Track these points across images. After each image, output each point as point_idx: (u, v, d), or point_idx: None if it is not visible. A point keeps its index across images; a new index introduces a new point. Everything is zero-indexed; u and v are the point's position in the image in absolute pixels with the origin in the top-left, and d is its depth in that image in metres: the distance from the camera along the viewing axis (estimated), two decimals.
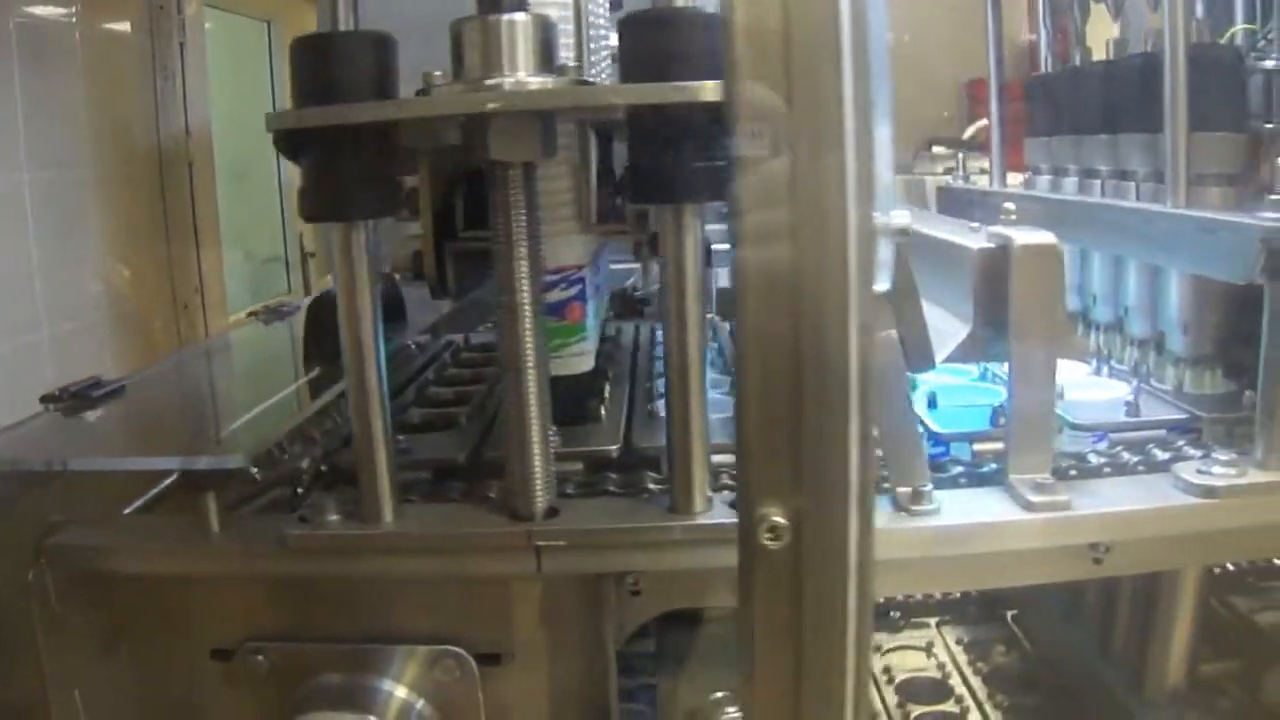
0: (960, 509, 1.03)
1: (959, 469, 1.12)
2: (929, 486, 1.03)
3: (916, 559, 1.02)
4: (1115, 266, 1.35)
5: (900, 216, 0.67)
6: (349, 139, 0.94)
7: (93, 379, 1.23)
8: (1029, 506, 1.02)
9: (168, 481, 1.17)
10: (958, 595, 1.66)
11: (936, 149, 2.52)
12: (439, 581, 1.03)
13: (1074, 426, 1.18)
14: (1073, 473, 1.10)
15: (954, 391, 1.31)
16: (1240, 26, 1.29)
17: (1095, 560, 1.04)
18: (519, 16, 0.93)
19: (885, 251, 0.67)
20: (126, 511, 1.16)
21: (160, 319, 2.12)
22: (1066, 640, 1.48)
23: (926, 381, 1.30)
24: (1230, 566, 1.41)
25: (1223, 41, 1.29)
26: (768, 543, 0.66)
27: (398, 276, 1.42)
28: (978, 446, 1.11)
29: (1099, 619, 1.41)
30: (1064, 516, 1.02)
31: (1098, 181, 1.37)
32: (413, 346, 1.63)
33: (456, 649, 1.02)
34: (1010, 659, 1.56)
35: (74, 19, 1.94)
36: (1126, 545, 1.04)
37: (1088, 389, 1.27)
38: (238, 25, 2.94)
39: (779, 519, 0.66)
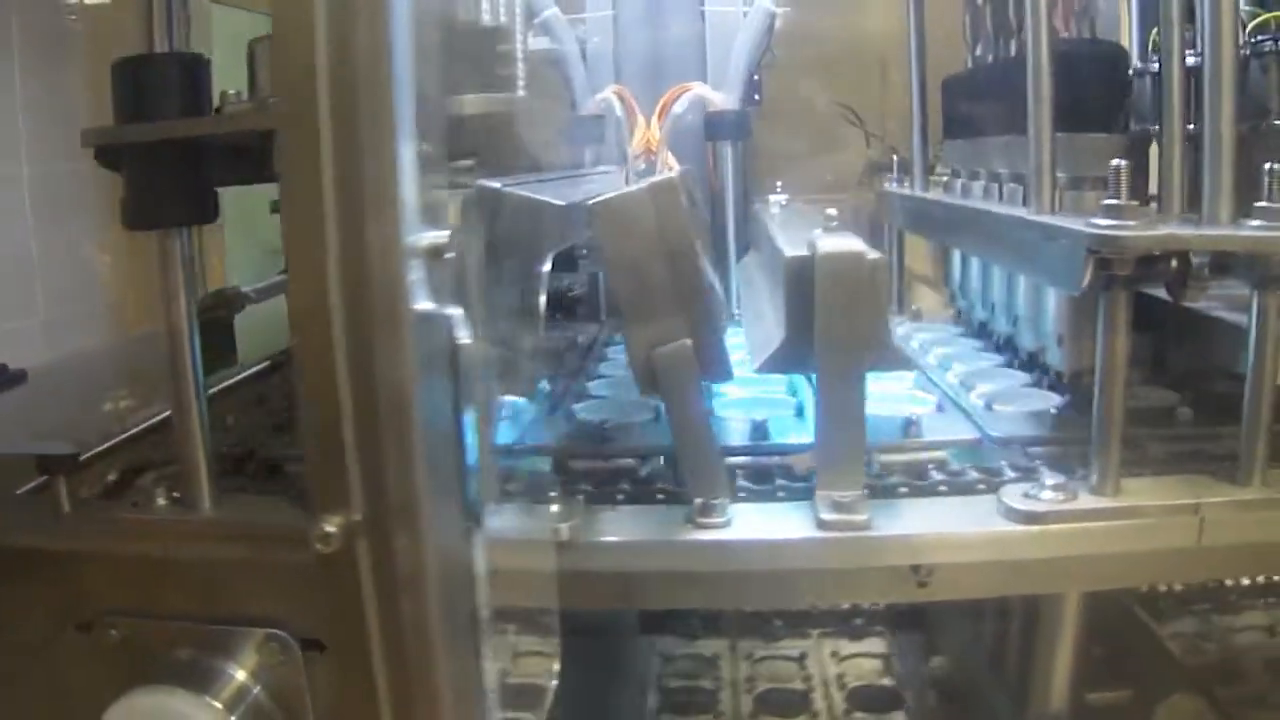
0: (753, 524, 0.94)
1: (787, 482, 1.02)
2: (721, 499, 0.95)
3: (706, 573, 0.94)
4: (1010, 275, 1.22)
5: (436, 237, 0.60)
6: (161, 153, 0.93)
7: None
8: (823, 525, 0.92)
9: None
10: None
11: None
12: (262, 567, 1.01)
13: (995, 441, 1.07)
14: (903, 490, 1.00)
15: (885, 400, 1.21)
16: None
17: (920, 584, 0.95)
18: None
19: (418, 272, 0.60)
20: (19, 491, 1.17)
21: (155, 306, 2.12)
22: (971, 657, 1.36)
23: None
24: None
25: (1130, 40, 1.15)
26: (319, 549, 0.60)
27: None
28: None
29: (994, 636, 1.29)
30: (858, 537, 0.92)
31: (998, 185, 1.24)
32: None
33: (281, 633, 0.99)
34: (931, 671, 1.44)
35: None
36: (947, 569, 0.94)
37: (1017, 400, 1.16)
38: (240, 15, 2.96)
39: (331, 528, 0.60)
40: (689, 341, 0.93)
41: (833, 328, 0.93)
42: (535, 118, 1.09)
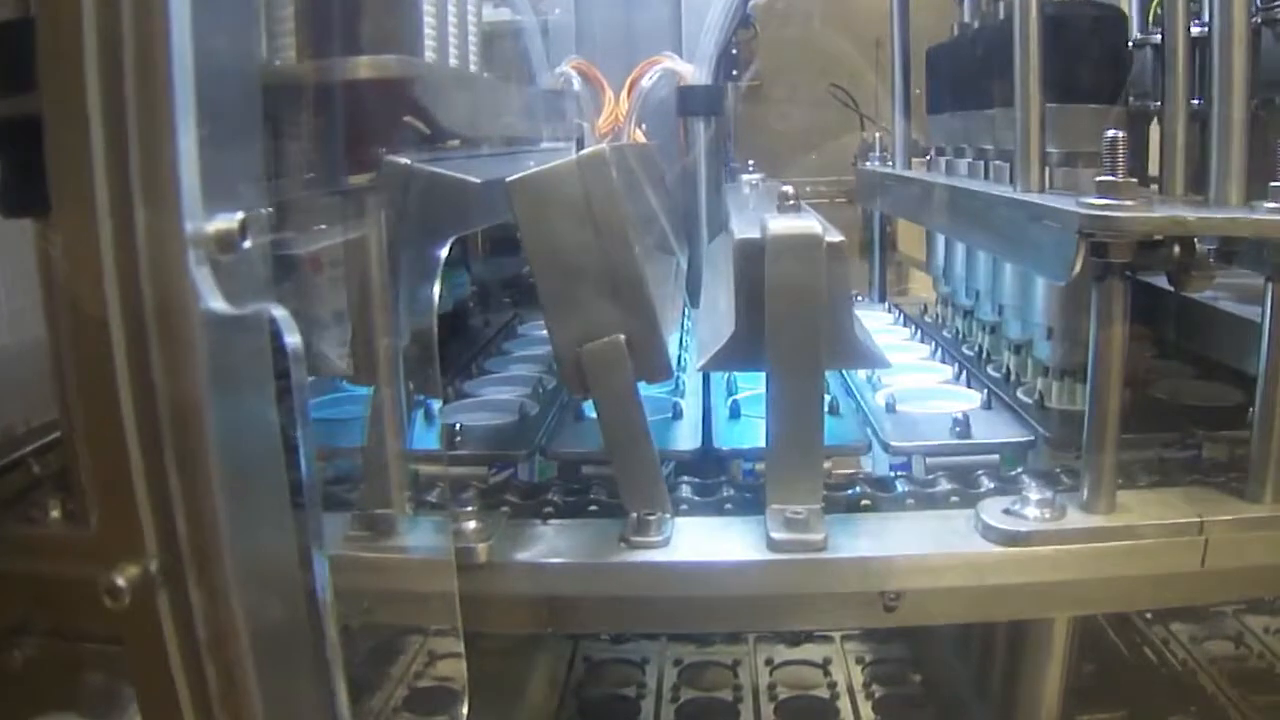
0: (694, 544, 0.80)
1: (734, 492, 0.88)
2: (658, 514, 0.81)
3: (641, 598, 0.80)
4: (995, 260, 1.07)
5: (225, 221, 0.46)
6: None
7: None
8: (774, 545, 0.78)
9: None
10: None
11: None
12: None
13: (888, 448, 0.93)
14: (865, 503, 0.86)
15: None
16: None
17: (886, 608, 0.81)
18: None
19: (204, 266, 0.45)
20: None
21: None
22: (954, 673, 1.22)
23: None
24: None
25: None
26: (109, 605, 0.47)
27: None
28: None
29: (979, 655, 1.14)
30: (813, 559, 0.78)
31: (984, 163, 1.09)
32: None
33: None
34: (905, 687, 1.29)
35: None
36: (917, 594, 0.80)
37: (935, 400, 1.01)
38: None
39: (121, 581, 0.46)
40: (622, 337, 0.79)
41: (785, 319, 0.79)
42: (462, 88, 0.94)
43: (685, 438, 0.98)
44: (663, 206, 1.17)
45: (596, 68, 1.50)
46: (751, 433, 0.97)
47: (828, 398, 1.02)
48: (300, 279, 0.87)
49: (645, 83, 1.42)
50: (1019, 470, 0.90)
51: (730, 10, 1.39)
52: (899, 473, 0.93)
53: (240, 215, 0.47)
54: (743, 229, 0.84)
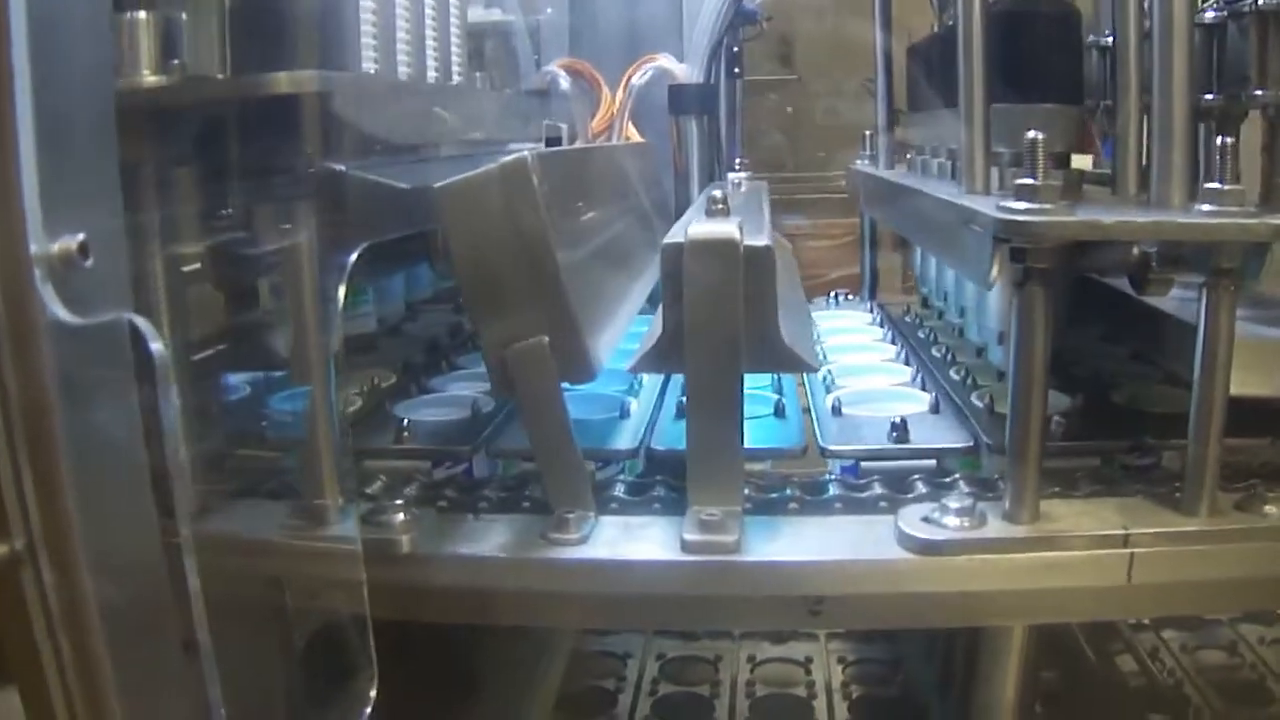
0: (611, 542, 0.81)
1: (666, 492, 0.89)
2: (577, 512, 0.82)
3: (556, 593, 0.81)
4: None
5: (66, 243, 0.49)
6: None
7: None
8: (686, 546, 0.79)
9: None
10: None
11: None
12: None
13: (824, 451, 0.92)
14: (793, 506, 0.86)
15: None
16: None
17: (812, 612, 0.81)
18: (140, 15, 0.79)
19: (47, 285, 0.49)
20: None
21: None
22: (924, 676, 1.20)
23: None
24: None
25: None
26: None
27: None
28: None
29: (941, 659, 1.13)
30: (724, 562, 0.78)
31: (951, 162, 1.07)
32: None
33: None
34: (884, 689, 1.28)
35: None
36: (837, 600, 0.79)
37: (884, 402, 1.00)
38: None
39: None
40: (545, 339, 0.80)
41: (701, 322, 0.79)
42: (406, 96, 0.96)
43: (628, 437, 0.98)
44: (635, 207, 1.18)
45: (594, 66, 1.51)
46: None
47: (774, 399, 1.02)
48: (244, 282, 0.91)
49: (636, 81, 1.43)
50: (954, 476, 0.89)
51: (721, 10, 1.38)
52: (837, 476, 0.92)
53: (81, 236, 0.50)
54: (674, 233, 0.85)
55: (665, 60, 1.48)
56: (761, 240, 0.81)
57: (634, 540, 0.81)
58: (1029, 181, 0.75)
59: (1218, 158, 0.76)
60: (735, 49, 1.55)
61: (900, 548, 0.79)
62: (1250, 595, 0.84)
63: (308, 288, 0.80)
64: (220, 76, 0.80)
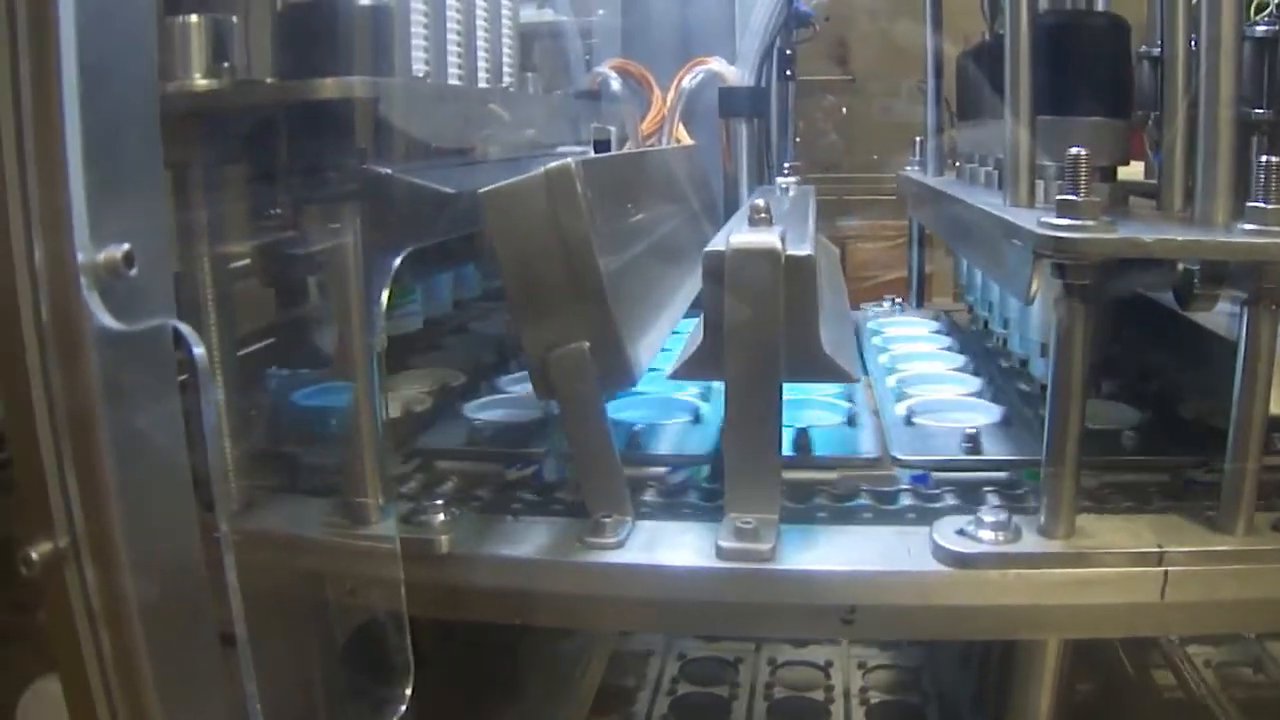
0: (648, 547, 0.82)
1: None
2: (614, 517, 0.83)
3: (592, 596, 0.82)
4: None
5: (112, 252, 0.51)
6: None
7: None
8: (722, 553, 0.80)
9: None
10: None
11: None
12: None
13: (896, 461, 0.92)
14: (821, 515, 0.86)
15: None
16: None
17: (845, 621, 0.81)
18: (192, 19, 0.81)
19: (93, 293, 0.52)
20: None
21: None
22: (956, 686, 1.20)
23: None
24: None
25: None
26: (24, 573, 0.53)
27: None
28: None
29: (977, 670, 1.12)
30: (759, 569, 0.79)
31: (998, 173, 1.06)
32: None
33: None
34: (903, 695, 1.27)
35: None
36: (871, 610, 0.80)
37: (955, 412, 1.00)
38: None
39: (35, 554, 0.52)
40: (586, 345, 0.81)
41: (741, 331, 0.80)
42: (454, 101, 0.98)
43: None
44: (681, 210, 1.18)
45: (646, 68, 1.51)
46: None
47: (847, 407, 1.03)
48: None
49: (686, 83, 1.43)
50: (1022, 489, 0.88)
51: (773, 12, 1.38)
52: (914, 485, 0.91)
53: (126, 246, 0.52)
54: (717, 240, 0.85)
55: (716, 63, 1.48)
56: (803, 250, 0.81)
57: (670, 546, 0.82)
58: (1070, 198, 0.74)
59: (1262, 176, 0.75)
60: (788, 52, 1.55)
61: (934, 559, 0.79)
62: None
63: (353, 288, 0.82)
64: (270, 81, 0.82)
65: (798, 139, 2.37)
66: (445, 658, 0.93)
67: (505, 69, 1.22)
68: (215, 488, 0.59)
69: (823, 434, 0.99)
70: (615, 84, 1.43)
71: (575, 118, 1.20)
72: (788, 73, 1.58)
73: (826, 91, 2.44)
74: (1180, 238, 0.75)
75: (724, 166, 1.50)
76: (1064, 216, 0.74)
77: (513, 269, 0.82)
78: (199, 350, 0.56)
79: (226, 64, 0.82)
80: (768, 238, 0.80)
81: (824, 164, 2.40)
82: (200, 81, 0.81)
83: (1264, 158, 0.76)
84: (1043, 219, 0.76)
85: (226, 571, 0.59)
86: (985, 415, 1.02)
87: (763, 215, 0.85)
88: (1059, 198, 0.75)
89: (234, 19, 0.84)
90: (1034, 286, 0.76)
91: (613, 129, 1.16)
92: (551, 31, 1.33)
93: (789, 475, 0.87)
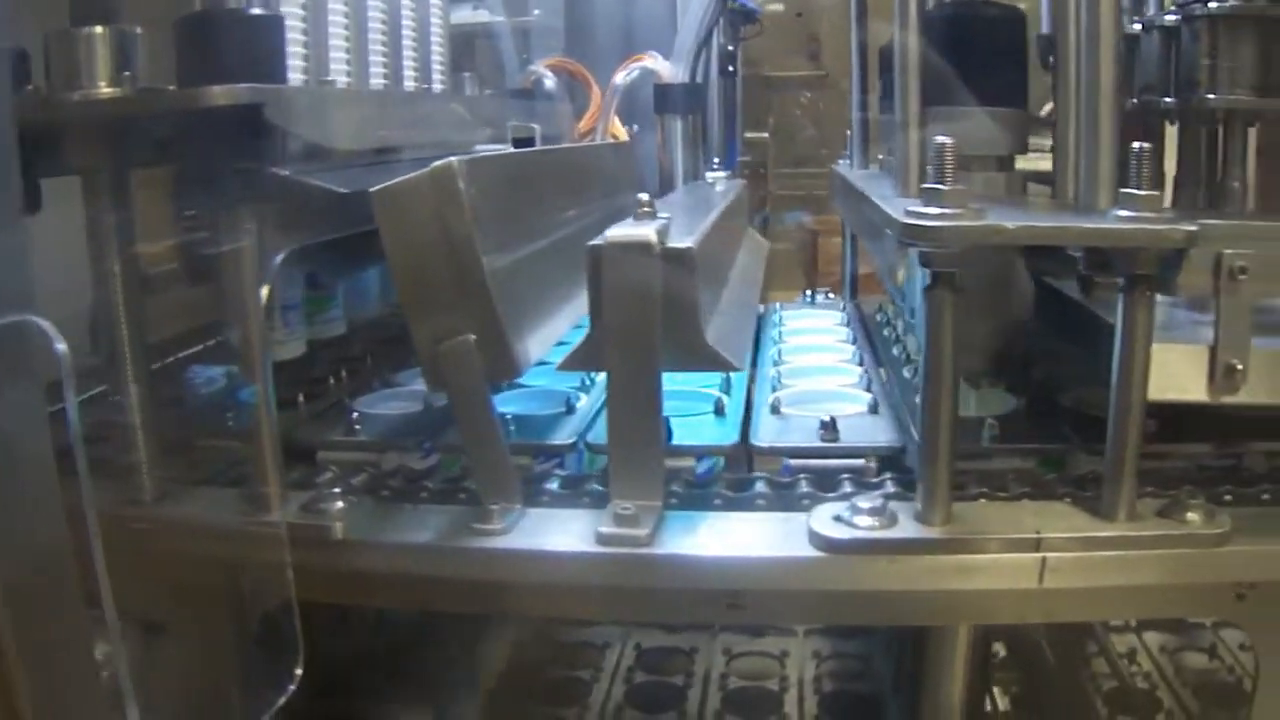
0: (532, 533, 0.83)
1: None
2: (502, 504, 0.84)
3: (478, 581, 0.83)
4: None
5: None
6: None
7: None
8: (601, 539, 0.81)
9: None
10: None
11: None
12: None
13: (754, 449, 0.93)
14: (717, 502, 0.87)
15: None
16: None
17: (730, 606, 0.82)
18: (96, 30, 0.83)
19: None
20: None
21: None
22: (883, 673, 1.20)
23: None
24: None
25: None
26: None
27: None
28: None
29: (896, 657, 1.13)
30: (635, 554, 0.80)
31: None
32: None
33: None
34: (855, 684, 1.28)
35: None
36: (752, 595, 0.81)
37: (825, 403, 1.00)
38: None
39: None
40: (472, 337, 0.83)
41: (619, 322, 0.81)
42: (350, 104, 1.00)
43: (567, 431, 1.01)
44: (598, 207, 1.19)
45: (589, 66, 1.52)
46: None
47: (717, 396, 1.04)
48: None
49: (620, 80, 1.44)
50: (885, 477, 0.89)
51: (707, 9, 1.39)
52: (776, 475, 0.92)
53: None
54: (601, 235, 0.86)
55: (651, 60, 1.49)
56: (684, 242, 0.82)
57: (555, 532, 0.83)
58: (936, 186, 0.75)
59: (1134, 162, 0.75)
60: (730, 48, 1.56)
61: (811, 546, 0.80)
62: (1170, 602, 0.83)
63: (248, 287, 0.84)
64: (168, 88, 0.84)
65: (766, 135, 2.39)
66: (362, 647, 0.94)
67: (436, 70, 1.23)
68: (82, 484, 0.60)
69: (686, 424, 1.00)
70: (549, 82, 1.45)
71: (500, 117, 1.21)
72: (730, 68, 1.58)
73: (801, 87, 2.44)
74: (1044, 224, 0.75)
75: (659, 162, 1.51)
76: (930, 205, 0.75)
77: (402, 265, 0.83)
78: (60, 347, 0.58)
79: (128, 73, 0.85)
80: (644, 231, 0.81)
81: (796, 159, 2.40)
82: (105, 90, 0.84)
83: (1135, 144, 0.77)
84: (908, 208, 0.76)
85: (95, 562, 0.61)
86: (852, 405, 1.03)
87: (646, 209, 0.87)
88: (923, 186, 0.76)
89: (138, 29, 0.86)
90: (900, 274, 0.77)
91: (537, 127, 1.17)
92: (485, 32, 1.34)
93: None
